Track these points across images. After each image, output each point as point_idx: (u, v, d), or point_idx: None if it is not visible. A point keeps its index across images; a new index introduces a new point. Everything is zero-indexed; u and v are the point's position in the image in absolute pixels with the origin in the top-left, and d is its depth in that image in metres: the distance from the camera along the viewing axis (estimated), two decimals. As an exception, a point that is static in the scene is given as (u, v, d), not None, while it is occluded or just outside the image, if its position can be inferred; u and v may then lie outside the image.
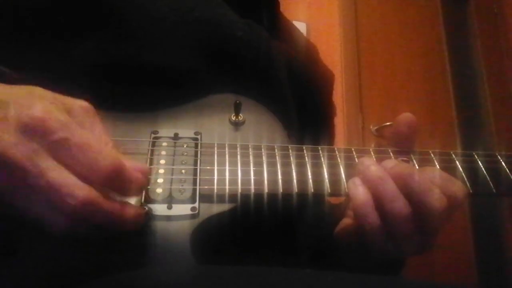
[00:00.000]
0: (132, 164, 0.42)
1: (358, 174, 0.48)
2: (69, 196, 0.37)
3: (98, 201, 0.38)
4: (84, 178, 0.38)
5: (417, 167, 0.51)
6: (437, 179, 0.47)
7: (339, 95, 1.84)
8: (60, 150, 0.38)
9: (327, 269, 0.40)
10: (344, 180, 0.50)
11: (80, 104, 0.41)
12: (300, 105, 0.66)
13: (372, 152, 0.53)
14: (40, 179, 0.36)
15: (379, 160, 0.49)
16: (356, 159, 0.52)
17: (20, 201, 0.37)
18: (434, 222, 0.45)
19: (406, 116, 0.52)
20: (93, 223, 0.39)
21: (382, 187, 0.45)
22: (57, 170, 0.37)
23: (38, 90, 0.40)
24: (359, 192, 0.46)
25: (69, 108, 0.40)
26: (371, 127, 0.58)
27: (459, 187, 0.47)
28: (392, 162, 0.48)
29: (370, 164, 0.48)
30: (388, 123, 0.54)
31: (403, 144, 0.53)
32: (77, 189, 0.37)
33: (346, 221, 0.54)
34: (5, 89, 0.40)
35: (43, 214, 0.38)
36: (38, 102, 0.38)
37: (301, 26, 1.85)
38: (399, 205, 0.45)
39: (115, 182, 0.40)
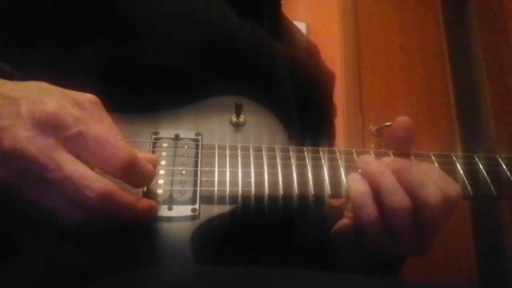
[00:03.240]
0: (144, 155, 0.43)
1: (358, 170, 0.48)
2: (87, 188, 0.37)
3: (115, 193, 0.39)
4: (100, 170, 0.39)
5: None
6: (433, 175, 0.47)
7: (339, 95, 1.84)
8: (75, 144, 0.38)
9: (326, 270, 0.40)
10: (345, 182, 0.50)
11: (88, 98, 0.42)
12: (301, 106, 0.66)
13: (372, 154, 0.53)
14: (58, 173, 0.37)
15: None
16: (356, 161, 0.52)
17: (36, 196, 0.38)
18: (430, 218, 0.45)
19: (403, 120, 0.53)
20: (109, 216, 0.40)
21: (382, 180, 0.46)
22: (74, 163, 0.38)
23: (46, 86, 0.41)
24: (357, 184, 0.47)
25: (78, 102, 0.40)
26: (371, 127, 0.58)
27: (454, 185, 0.48)
28: (390, 158, 0.49)
29: (369, 160, 0.49)
30: (387, 123, 0.55)
31: (401, 147, 0.54)
32: (95, 181, 0.38)
33: (344, 221, 0.54)
34: (14, 85, 0.40)
35: (59, 208, 0.38)
36: (49, 98, 0.39)
37: (301, 26, 1.85)
38: (399, 198, 0.45)
39: (130, 174, 0.40)
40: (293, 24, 0.80)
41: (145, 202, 0.42)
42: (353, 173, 0.49)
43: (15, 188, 0.38)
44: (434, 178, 0.46)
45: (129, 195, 0.40)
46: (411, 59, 2.05)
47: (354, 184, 0.47)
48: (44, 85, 0.41)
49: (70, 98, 0.40)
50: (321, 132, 0.71)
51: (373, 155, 0.53)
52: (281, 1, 0.74)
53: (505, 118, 1.82)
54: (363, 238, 0.47)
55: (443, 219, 0.46)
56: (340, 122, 0.81)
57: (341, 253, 0.55)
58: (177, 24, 0.56)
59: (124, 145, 0.40)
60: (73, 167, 0.38)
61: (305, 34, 1.84)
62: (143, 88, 0.54)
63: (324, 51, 0.80)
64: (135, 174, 0.41)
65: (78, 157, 0.39)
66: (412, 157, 0.53)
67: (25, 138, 0.36)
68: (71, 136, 0.38)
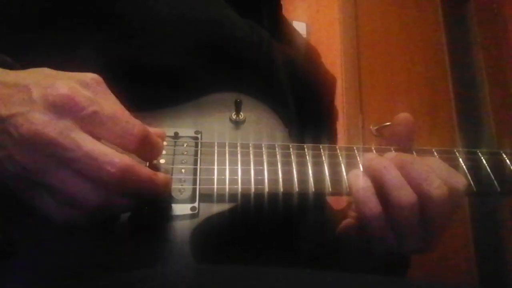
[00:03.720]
0: (153, 129, 0.44)
1: (362, 168, 0.48)
2: (109, 164, 0.38)
3: (135, 167, 0.40)
4: (116, 147, 0.40)
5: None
6: (437, 169, 0.47)
7: (339, 95, 1.83)
8: (91, 123, 0.39)
9: (330, 270, 0.40)
10: (346, 179, 0.49)
11: (91, 77, 0.42)
12: (301, 107, 0.66)
13: (374, 150, 0.53)
14: (78, 152, 0.38)
15: None
16: (358, 158, 0.51)
17: (58, 179, 0.38)
18: (436, 212, 0.45)
19: (403, 116, 0.52)
20: (128, 192, 0.41)
21: (387, 176, 0.46)
22: (92, 142, 0.39)
23: (49, 70, 0.42)
24: (358, 179, 0.47)
25: (83, 83, 0.41)
26: (371, 127, 0.58)
27: (459, 178, 0.47)
28: (393, 153, 0.49)
29: (373, 157, 0.49)
30: (388, 123, 0.54)
31: (402, 144, 0.53)
32: (115, 157, 0.39)
33: (348, 221, 0.54)
34: (16, 74, 0.41)
35: (80, 190, 0.39)
36: (59, 81, 0.39)
37: (301, 26, 1.85)
38: (405, 192, 0.45)
39: (144, 147, 0.42)
40: (293, 27, 0.80)
41: (162, 176, 0.43)
42: (355, 170, 0.49)
43: (33, 173, 0.38)
44: (438, 172, 0.46)
45: (148, 169, 0.42)
46: (411, 59, 2.05)
47: (355, 180, 0.47)
48: (47, 70, 0.42)
49: (78, 80, 0.41)
50: (322, 134, 0.71)
51: (374, 152, 0.53)
52: (282, 1, 0.74)
53: (505, 117, 1.82)
54: (368, 235, 0.47)
55: (449, 213, 0.46)
56: (340, 122, 0.81)
57: (346, 254, 0.55)
58: (177, 22, 0.56)
59: (136, 120, 0.42)
60: (93, 145, 0.38)
61: (305, 34, 1.85)
62: (142, 86, 0.54)
63: (324, 51, 0.80)
64: (149, 148, 0.42)
65: (95, 136, 0.39)
66: (414, 153, 0.53)
67: (42, 122, 0.37)
68: (87, 116, 0.39)
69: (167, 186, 0.44)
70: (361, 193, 0.46)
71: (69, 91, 0.39)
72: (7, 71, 0.41)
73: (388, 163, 0.47)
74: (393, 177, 0.46)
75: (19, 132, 0.37)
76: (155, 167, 0.47)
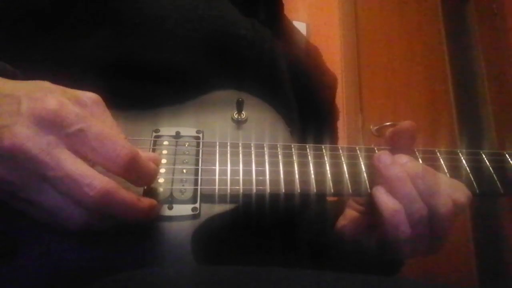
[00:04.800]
0: (146, 154, 0.43)
1: (376, 171, 0.48)
2: (88, 186, 0.37)
3: (116, 191, 0.38)
4: (102, 168, 0.39)
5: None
6: (444, 184, 0.47)
7: (339, 95, 1.83)
8: (77, 141, 0.38)
9: (327, 267, 0.40)
10: (348, 180, 0.49)
11: (89, 96, 0.41)
12: (302, 106, 0.66)
13: (376, 151, 0.53)
14: (58, 171, 0.37)
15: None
16: (360, 158, 0.51)
17: (37, 195, 0.38)
18: (441, 224, 0.46)
19: (408, 124, 0.53)
20: (109, 215, 0.39)
21: (403, 190, 0.46)
22: (74, 161, 0.38)
23: (48, 84, 0.41)
24: (389, 201, 0.46)
25: (79, 100, 0.40)
26: (371, 127, 0.58)
27: (464, 192, 0.48)
28: (405, 158, 0.49)
29: (388, 163, 0.48)
30: (388, 123, 0.54)
31: (402, 146, 0.54)
32: (95, 179, 0.37)
33: (351, 213, 0.54)
34: (14, 84, 0.40)
35: (60, 207, 0.38)
36: (50, 95, 0.38)
37: (301, 26, 1.85)
38: (418, 206, 0.46)
39: (132, 171, 0.40)
40: (295, 27, 0.79)
41: (146, 201, 0.42)
42: (380, 187, 0.48)
43: (15, 187, 0.37)
44: (444, 187, 0.47)
45: (130, 194, 0.40)
46: (411, 59, 2.05)
47: (385, 201, 0.46)
48: (46, 84, 0.41)
49: (72, 96, 0.40)
50: (323, 133, 0.71)
51: (376, 152, 0.52)
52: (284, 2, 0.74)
53: (505, 118, 1.82)
54: (380, 239, 0.48)
55: (453, 221, 0.47)
56: (340, 122, 0.81)
57: (343, 250, 0.55)
58: (178, 20, 0.56)
59: (125, 142, 0.40)
60: (74, 165, 0.37)
61: (305, 34, 1.84)
62: (143, 85, 0.53)
63: (324, 51, 0.80)
64: (137, 172, 0.41)
65: (79, 155, 0.38)
66: (417, 152, 0.53)
67: (25, 136, 0.36)
68: (72, 134, 0.38)
69: (152, 211, 0.42)
70: (396, 218, 0.46)
71: (57, 106, 0.38)
72: (6, 80, 0.41)
73: (403, 175, 0.47)
74: (407, 191, 0.46)
75: (2, 145, 0.36)
76: (151, 190, 0.46)
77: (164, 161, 0.49)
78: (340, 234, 0.54)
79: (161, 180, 0.47)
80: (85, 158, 0.39)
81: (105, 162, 0.39)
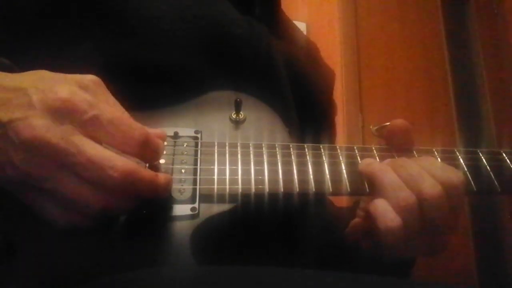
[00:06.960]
0: (153, 131, 0.44)
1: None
2: (112, 168, 0.38)
3: (137, 170, 0.40)
4: (118, 150, 0.40)
5: (408, 159, 0.51)
6: (430, 167, 0.46)
7: (339, 95, 1.83)
8: (92, 127, 0.39)
9: (335, 270, 0.40)
10: (346, 179, 0.49)
11: (90, 78, 0.42)
12: (300, 103, 0.66)
13: (374, 150, 0.53)
14: (80, 156, 0.38)
15: (382, 158, 0.50)
16: (358, 158, 0.51)
17: (60, 184, 0.38)
18: (434, 213, 0.45)
19: (399, 122, 0.52)
20: (131, 195, 0.41)
21: (385, 179, 0.46)
22: (94, 146, 0.39)
23: (48, 73, 0.41)
24: (388, 215, 0.45)
25: (82, 85, 0.41)
26: (371, 127, 0.57)
27: (453, 172, 0.47)
28: (388, 160, 0.49)
29: (370, 161, 0.49)
30: (387, 123, 0.54)
31: (400, 146, 0.53)
32: (117, 160, 0.39)
33: (357, 221, 0.54)
34: (15, 77, 0.40)
35: (81, 194, 0.39)
36: (59, 85, 0.39)
37: (301, 26, 1.85)
38: (404, 194, 0.45)
39: (146, 151, 0.42)
40: (292, 22, 0.79)
41: (162, 176, 0.43)
42: (379, 200, 0.46)
43: (38, 178, 0.38)
44: (430, 170, 0.46)
45: (149, 171, 0.41)
46: (411, 59, 2.05)
47: (383, 217, 0.45)
48: (45, 73, 0.41)
49: (75, 82, 0.40)
50: (321, 130, 0.70)
51: (375, 152, 0.53)
52: None
53: (505, 117, 1.82)
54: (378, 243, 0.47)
55: (449, 211, 0.45)
56: (340, 121, 0.81)
57: (355, 253, 0.55)
58: (175, 20, 0.55)
59: (137, 123, 0.42)
60: (94, 150, 0.38)
61: (305, 34, 1.84)
62: (140, 85, 0.53)
63: (324, 51, 0.80)
64: (149, 150, 0.42)
65: (96, 140, 0.39)
66: (415, 153, 0.53)
67: (43, 127, 0.37)
68: (87, 121, 0.39)
69: (168, 186, 0.44)
70: (380, 208, 0.45)
71: (69, 95, 0.38)
72: (5, 74, 0.41)
73: (384, 166, 0.47)
74: (390, 179, 0.46)
75: (20, 137, 0.37)
76: (155, 167, 0.46)
77: (162, 161, 0.49)
78: (347, 240, 0.54)
79: None
80: (101, 142, 0.40)
81: (121, 145, 0.40)
